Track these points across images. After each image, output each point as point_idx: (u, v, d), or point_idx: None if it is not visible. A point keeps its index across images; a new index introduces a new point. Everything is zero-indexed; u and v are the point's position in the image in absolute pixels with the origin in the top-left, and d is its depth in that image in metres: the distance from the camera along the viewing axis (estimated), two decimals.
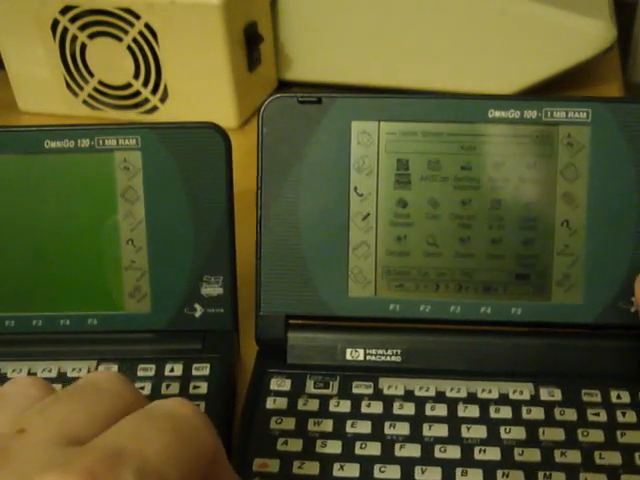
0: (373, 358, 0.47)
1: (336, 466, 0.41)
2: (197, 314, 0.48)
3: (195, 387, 0.46)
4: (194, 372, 0.47)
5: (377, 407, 0.44)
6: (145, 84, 0.73)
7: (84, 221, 0.48)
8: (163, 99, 0.73)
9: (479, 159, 0.46)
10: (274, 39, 0.76)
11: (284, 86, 0.77)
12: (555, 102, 0.46)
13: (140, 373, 0.47)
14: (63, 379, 0.46)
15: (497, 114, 0.46)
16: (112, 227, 0.48)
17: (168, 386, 0.46)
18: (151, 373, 0.47)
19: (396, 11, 0.70)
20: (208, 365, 0.47)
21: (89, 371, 0.47)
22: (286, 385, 0.46)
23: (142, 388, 0.45)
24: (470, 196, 0.46)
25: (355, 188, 0.47)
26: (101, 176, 0.48)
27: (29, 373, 0.47)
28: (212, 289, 0.48)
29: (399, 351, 0.47)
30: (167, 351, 0.48)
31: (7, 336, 0.49)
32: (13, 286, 0.49)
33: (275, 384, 0.46)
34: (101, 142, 0.48)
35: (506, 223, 0.46)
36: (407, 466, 0.40)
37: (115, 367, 0.47)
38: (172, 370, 0.47)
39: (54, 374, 0.47)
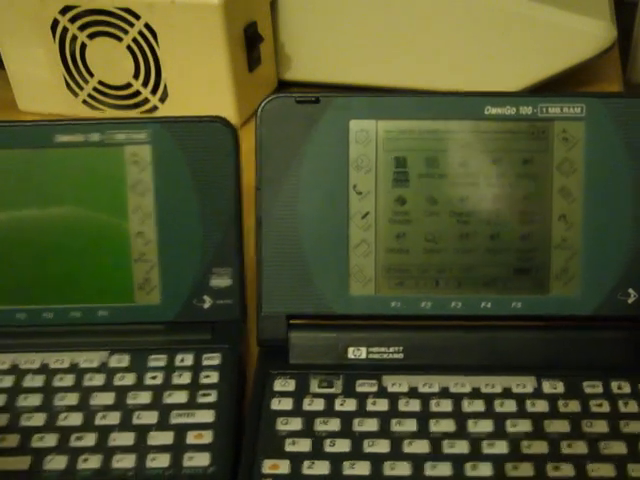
0: (375, 356, 0.47)
1: (346, 464, 0.41)
2: (206, 305, 0.49)
3: (206, 376, 0.46)
4: (205, 362, 0.47)
5: (383, 405, 0.44)
6: (145, 84, 0.72)
7: (94, 214, 0.49)
8: (163, 99, 0.72)
9: (476, 156, 0.47)
10: (274, 39, 0.75)
11: (284, 86, 0.77)
12: (550, 98, 0.46)
13: (152, 363, 0.47)
14: (76, 370, 0.47)
15: (493, 111, 0.46)
16: (122, 220, 0.48)
17: (180, 375, 0.46)
18: (162, 363, 0.47)
19: (396, 11, 0.70)
20: (219, 355, 0.47)
21: (101, 362, 0.47)
22: (290, 385, 0.46)
23: (154, 378, 0.46)
24: (468, 192, 0.47)
25: (354, 186, 0.47)
26: (111, 170, 0.48)
27: (42, 364, 0.47)
28: (221, 281, 0.48)
29: (401, 348, 0.47)
30: (177, 341, 0.48)
31: (19, 328, 0.49)
32: (23, 279, 0.49)
33: (279, 385, 0.46)
34: (111, 136, 0.48)
35: (504, 218, 0.47)
36: (417, 462, 0.41)
37: (127, 357, 0.48)
38: (183, 360, 0.47)
39: (66, 365, 0.47)
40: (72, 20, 0.70)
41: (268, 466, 0.41)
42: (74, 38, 0.71)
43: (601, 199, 0.46)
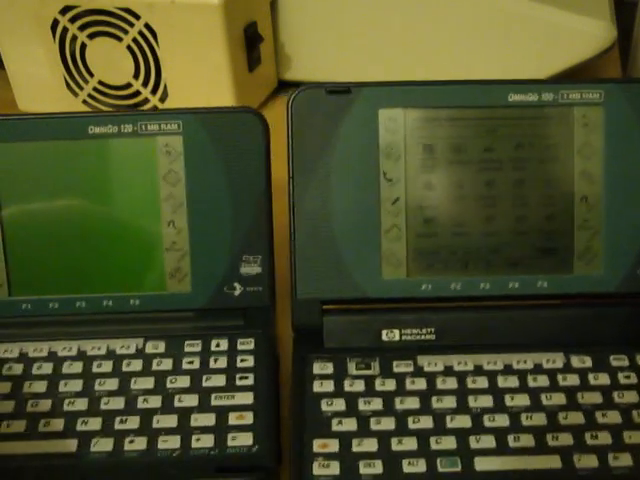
0: (409, 338, 0.49)
1: (394, 441, 0.42)
2: (236, 292, 0.50)
3: (242, 360, 0.47)
4: (240, 347, 0.48)
5: (421, 383, 0.46)
6: (145, 84, 0.72)
7: (126, 204, 0.50)
8: (163, 99, 0.73)
9: (501, 141, 0.48)
10: (274, 39, 0.76)
11: (284, 86, 0.78)
12: (570, 85, 0.48)
13: (187, 349, 0.48)
14: (113, 356, 0.48)
15: (516, 98, 0.48)
16: (154, 209, 0.49)
17: (216, 360, 0.48)
18: (198, 349, 0.48)
19: (396, 11, 0.71)
20: (252, 340, 0.49)
21: (137, 348, 0.48)
22: (328, 368, 0.47)
23: (191, 362, 0.47)
24: (493, 177, 0.48)
25: (384, 174, 0.48)
26: (143, 160, 0.49)
27: (78, 351, 0.49)
28: (251, 268, 0.49)
29: (433, 329, 0.49)
30: (211, 328, 0.50)
31: (52, 317, 0.50)
32: (55, 268, 0.50)
33: (318, 368, 0.47)
34: (144, 127, 0.49)
35: (528, 201, 0.49)
36: (461, 436, 0.42)
37: (162, 344, 0.49)
38: (218, 345, 0.49)
39: (104, 352, 0.48)
40: (72, 20, 0.70)
41: (318, 445, 0.42)
42: (74, 38, 0.71)
43: (620, 180, 0.48)
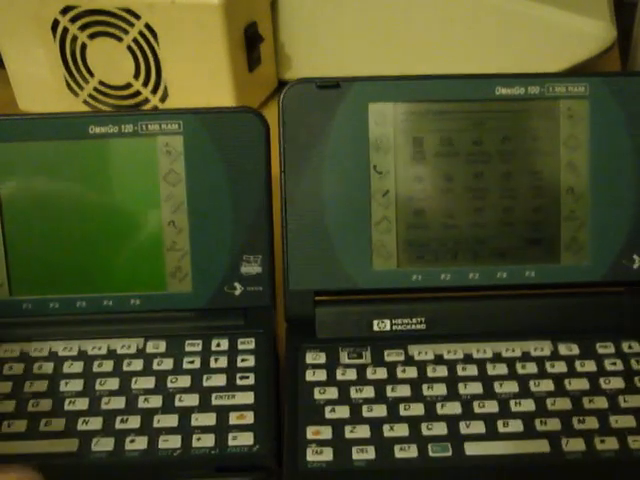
0: (399, 327, 0.49)
1: (386, 427, 0.43)
2: (237, 292, 0.50)
3: (243, 360, 0.48)
4: (240, 346, 0.49)
5: (412, 372, 0.47)
6: (145, 84, 0.73)
7: (127, 204, 0.50)
8: (163, 99, 0.73)
9: (488, 134, 0.49)
10: (274, 39, 0.76)
11: (284, 86, 0.77)
12: (556, 78, 0.49)
13: (188, 348, 0.49)
14: (114, 356, 0.48)
15: (503, 91, 0.49)
16: (154, 209, 0.50)
17: (217, 360, 0.48)
18: (198, 348, 0.49)
19: (396, 12, 0.72)
20: (253, 339, 0.49)
21: (138, 348, 0.49)
22: (321, 358, 0.48)
23: (192, 362, 0.48)
24: (482, 169, 0.49)
25: (374, 166, 0.49)
26: (144, 160, 0.50)
27: (79, 351, 0.49)
28: (251, 268, 0.50)
29: (423, 319, 0.49)
30: (211, 327, 0.50)
31: (53, 317, 0.50)
32: (56, 268, 0.50)
33: (310, 358, 0.48)
34: (144, 127, 0.49)
35: (516, 193, 0.49)
36: (452, 422, 0.43)
37: (163, 343, 0.49)
38: (218, 345, 0.49)
39: (104, 351, 0.49)
40: (72, 20, 0.71)
41: (311, 432, 0.43)
42: (74, 38, 0.72)
43: (605, 172, 0.49)
